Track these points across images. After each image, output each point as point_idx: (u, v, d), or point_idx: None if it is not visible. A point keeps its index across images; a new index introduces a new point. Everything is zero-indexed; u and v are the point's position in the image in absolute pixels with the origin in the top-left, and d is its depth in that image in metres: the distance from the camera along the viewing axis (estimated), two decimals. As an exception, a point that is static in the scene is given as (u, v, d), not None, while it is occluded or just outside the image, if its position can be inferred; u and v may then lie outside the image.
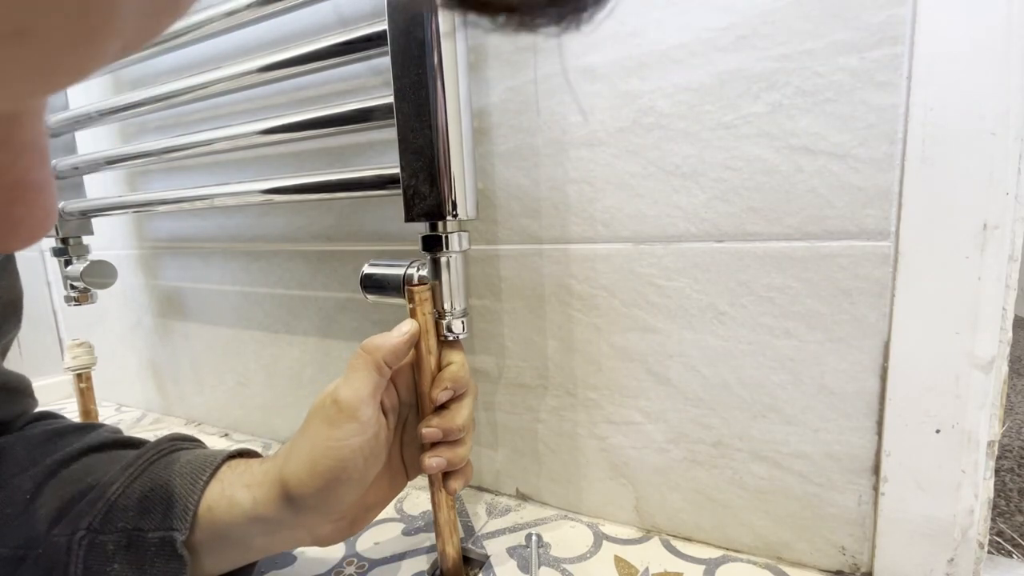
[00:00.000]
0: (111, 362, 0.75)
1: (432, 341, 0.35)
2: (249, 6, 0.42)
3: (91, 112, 0.55)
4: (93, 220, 0.63)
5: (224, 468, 0.33)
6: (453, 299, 0.36)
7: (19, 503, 0.31)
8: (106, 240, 0.70)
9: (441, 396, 0.34)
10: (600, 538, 0.41)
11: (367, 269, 0.41)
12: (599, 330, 0.41)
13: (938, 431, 0.31)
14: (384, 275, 0.40)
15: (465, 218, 0.35)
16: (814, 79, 0.31)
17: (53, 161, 0.59)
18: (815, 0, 0.31)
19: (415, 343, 0.34)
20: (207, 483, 0.32)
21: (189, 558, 0.30)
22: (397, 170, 0.36)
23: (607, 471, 0.43)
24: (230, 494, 0.32)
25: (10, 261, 0.38)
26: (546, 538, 0.41)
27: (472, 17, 0.11)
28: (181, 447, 0.36)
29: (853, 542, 0.35)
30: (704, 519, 0.40)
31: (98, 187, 0.66)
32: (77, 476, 0.33)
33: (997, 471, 0.38)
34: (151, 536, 0.30)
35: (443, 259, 0.36)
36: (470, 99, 0.35)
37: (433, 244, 0.35)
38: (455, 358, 0.35)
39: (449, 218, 0.35)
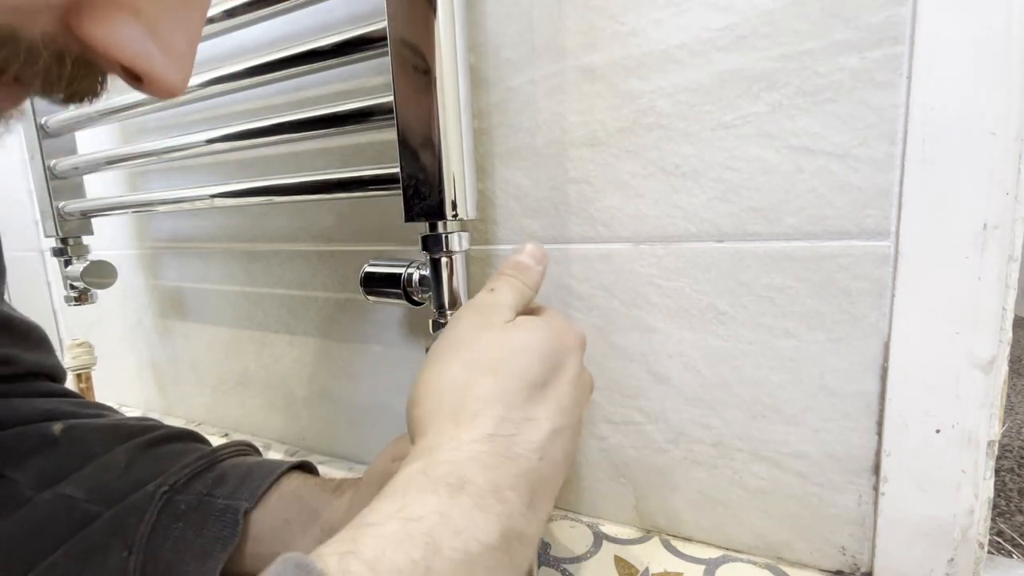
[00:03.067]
0: (111, 362, 0.75)
1: None
2: (249, 5, 0.42)
3: (91, 112, 0.55)
4: (93, 220, 0.63)
5: (293, 474, 0.36)
6: (453, 299, 0.36)
7: (116, 470, 0.34)
8: (106, 240, 0.70)
9: None
10: (600, 538, 0.41)
11: (367, 269, 0.41)
12: (599, 330, 0.40)
13: (938, 431, 0.31)
14: (384, 275, 0.40)
15: (465, 218, 0.35)
16: (814, 79, 0.31)
17: (53, 161, 0.59)
18: (815, 0, 0.31)
19: None
20: (285, 472, 0.35)
21: (241, 525, 0.31)
22: (397, 170, 0.36)
23: (607, 471, 0.43)
24: (313, 481, 0.35)
25: None
26: (546, 538, 0.41)
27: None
28: (253, 452, 0.40)
29: (853, 542, 0.35)
30: (704, 519, 0.40)
31: (98, 187, 0.66)
32: (170, 455, 0.36)
33: (997, 471, 0.38)
34: (219, 502, 0.32)
35: (443, 259, 0.36)
36: (470, 99, 0.35)
37: (433, 244, 0.35)
38: None
39: (449, 218, 0.35)
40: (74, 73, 0.16)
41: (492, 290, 0.30)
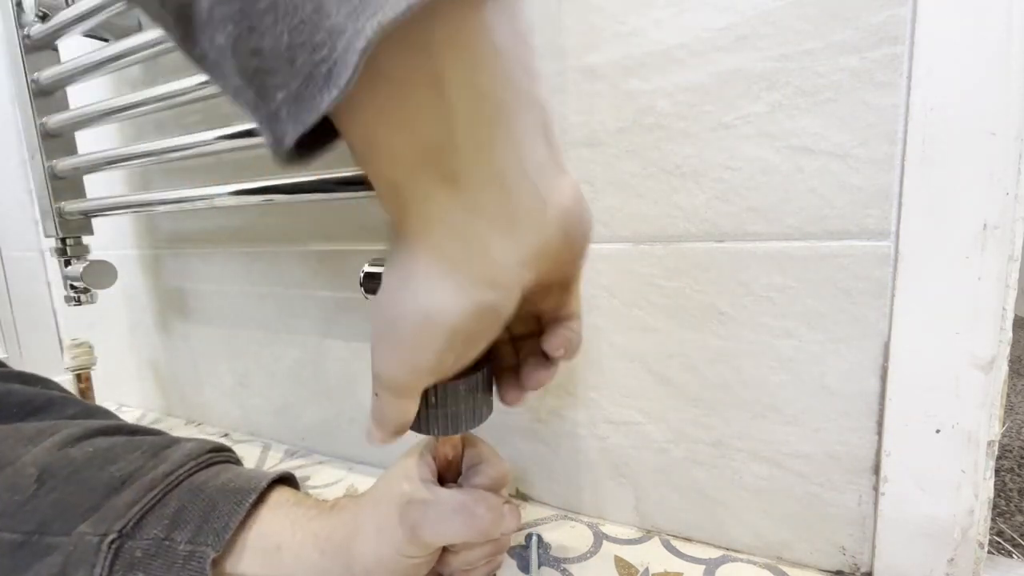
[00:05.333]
0: (111, 362, 0.75)
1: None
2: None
3: (91, 112, 0.55)
4: (93, 220, 0.63)
5: (272, 495, 0.33)
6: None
7: (25, 488, 0.30)
8: (106, 240, 0.70)
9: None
10: (600, 538, 0.41)
11: (367, 269, 0.41)
12: (599, 330, 0.40)
13: (938, 431, 0.31)
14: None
15: (465, 218, 0.35)
16: (814, 79, 0.31)
17: (53, 161, 0.59)
18: (815, 0, 0.31)
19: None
20: (252, 505, 0.32)
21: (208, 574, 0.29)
22: (397, 170, 0.36)
23: (607, 471, 0.43)
24: (284, 531, 0.31)
25: None
26: (546, 538, 0.41)
27: None
28: (218, 460, 0.36)
29: (853, 542, 0.35)
30: (704, 519, 0.40)
31: (98, 187, 0.66)
32: (95, 463, 0.32)
33: (997, 471, 0.38)
34: (181, 548, 0.30)
35: (443, 259, 0.36)
36: (470, 99, 0.35)
37: (433, 244, 0.35)
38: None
39: (449, 218, 0.34)
40: None
41: None
